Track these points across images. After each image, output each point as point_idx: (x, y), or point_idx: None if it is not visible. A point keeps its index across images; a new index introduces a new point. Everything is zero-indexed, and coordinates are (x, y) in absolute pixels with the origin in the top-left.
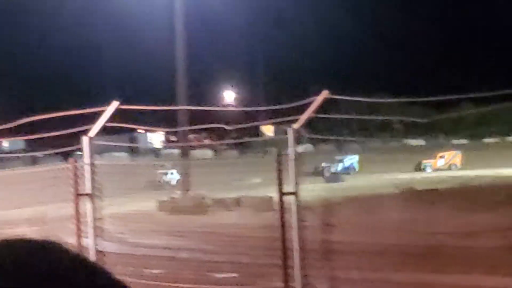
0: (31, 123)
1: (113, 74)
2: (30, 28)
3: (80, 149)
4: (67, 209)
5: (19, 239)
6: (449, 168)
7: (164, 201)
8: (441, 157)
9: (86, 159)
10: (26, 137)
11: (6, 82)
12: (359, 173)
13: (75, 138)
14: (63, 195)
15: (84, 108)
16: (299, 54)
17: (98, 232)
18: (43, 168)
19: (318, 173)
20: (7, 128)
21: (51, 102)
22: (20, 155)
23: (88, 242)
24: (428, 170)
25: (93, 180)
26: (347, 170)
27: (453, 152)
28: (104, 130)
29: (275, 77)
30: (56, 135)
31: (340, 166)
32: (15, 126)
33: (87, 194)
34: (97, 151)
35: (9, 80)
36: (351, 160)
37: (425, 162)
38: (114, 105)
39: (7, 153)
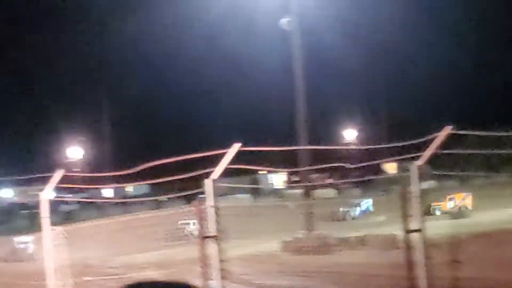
0: (154, 168)
1: (233, 116)
2: (149, 73)
3: (203, 192)
4: (192, 252)
5: (154, 281)
6: (459, 210)
7: (288, 241)
8: (450, 199)
9: (210, 201)
10: (149, 182)
11: (129, 127)
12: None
13: (198, 181)
14: (188, 238)
15: (204, 151)
16: (420, 90)
17: (224, 274)
18: (168, 212)
19: (337, 217)
20: (132, 173)
21: (173, 146)
22: (144, 199)
23: (215, 284)
24: (438, 213)
25: (217, 222)
26: (364, 213)
27: (462, 194)
28: (226, 172)
29: (396, 113)
30: (179, 179)
31: (358, 210)
32: (139, 171)
33: (212, 236)
34: (219, 193)
35: (132, 125)
36: (367, 203)
37: (434, 204)
38: (236, 147)
39: (131, 197)
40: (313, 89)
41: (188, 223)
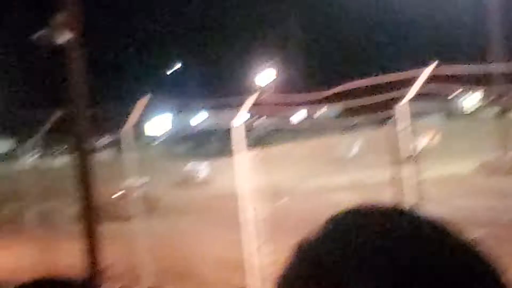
0: (345, 91)
1: (424, 36)
2: None
3: (395, 115)
4: (385, 174)
5: (369, 205)
6: None
7: (485, 162)
8: None
9: (403, 124)
10: (341, 105)
11: (320, 50)
12: None
13: (389, 103)
14: (381, 160)
15: (396, 73)
16: None
17: (419, 195)
18: (361, 134)
19: None
20: (322, 97)
21: (364, 70)
22: (334, 122)
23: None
24: None
25: (411, 144)
26: None
27: None
28: (418, 94)
29: None
30: (369, 101)
31: None
32: (329, 94)
33: (407, 158)
34: (413, 114)
35: (323, 48)
36: None
37: None
38: (429, 68)
39: (322, 121)
40: (506, 5)
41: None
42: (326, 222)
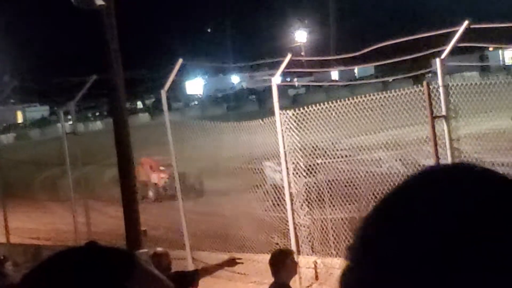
0: (380, 49)
1: None
2: None
3: (430, 72)
4: (422, 132)
5: (445, 165)
6: None
7: None
8: None
9: (439, 81)
10: (377, 63)
11: (353, 8)
12: None
13: (424, 61)
14: (417, 118)
15: (430, 31)
16: None
17: (455, 153)
18: (396, 93)
19: None
20: (357, 55)
21: (398, 27)
22: (370, 81)
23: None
24: None
25: (447, 101)
26: None
27: None
28: (454, 51)
29: None
30: (405, 59)
31: None
32: (365, 53)
33: (442, 116)
34: (447, 71)
35: (356, 6)
36: None
37: None
38: (464, 24)
39: (357, 79)
40: None
41: None
42: (405, 181)
